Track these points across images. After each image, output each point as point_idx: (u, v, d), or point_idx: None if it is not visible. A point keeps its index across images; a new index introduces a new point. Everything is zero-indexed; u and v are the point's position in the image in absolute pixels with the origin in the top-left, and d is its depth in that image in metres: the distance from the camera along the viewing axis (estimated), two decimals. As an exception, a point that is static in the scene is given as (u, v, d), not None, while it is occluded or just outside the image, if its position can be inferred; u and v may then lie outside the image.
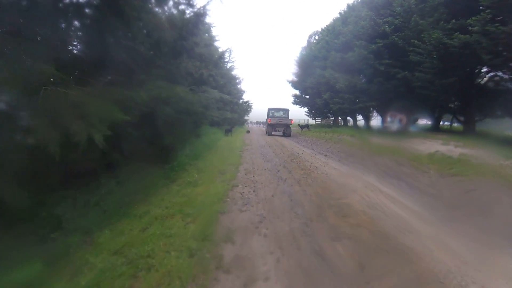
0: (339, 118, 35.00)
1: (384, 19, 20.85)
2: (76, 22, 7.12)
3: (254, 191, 6.70)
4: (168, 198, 6.40)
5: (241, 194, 6.50)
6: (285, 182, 7.69)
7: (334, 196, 6.30)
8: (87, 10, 6.72)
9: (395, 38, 20.46)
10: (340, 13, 30.50)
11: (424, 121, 28.14)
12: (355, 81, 22.10)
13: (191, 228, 4.63)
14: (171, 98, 8.09)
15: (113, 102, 4.82)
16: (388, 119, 26.61)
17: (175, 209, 5.53)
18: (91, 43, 8.13)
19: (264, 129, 31.35)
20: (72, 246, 4.52)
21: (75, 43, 7.44)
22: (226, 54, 35.64)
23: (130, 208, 5.96)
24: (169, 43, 10.39)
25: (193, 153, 11.92)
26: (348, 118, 31.49)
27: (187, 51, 11.49)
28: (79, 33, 7.59)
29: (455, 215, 5.68)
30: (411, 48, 18.94)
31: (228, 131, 23.96)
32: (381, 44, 20.74)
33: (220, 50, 24.20)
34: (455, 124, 25.23)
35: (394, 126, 25.04)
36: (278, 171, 9.05)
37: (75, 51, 7.28)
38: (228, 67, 34.40)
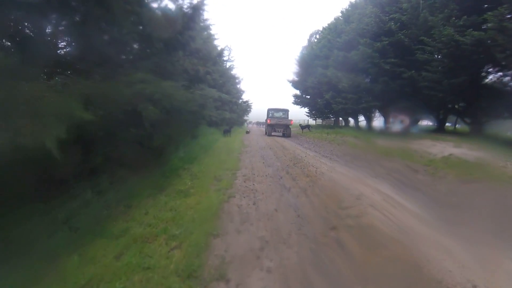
0: (340, 118, 34.22)
1: (390, 16, 19.88)
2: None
3: (254, 204, 5.74)
4: (153, 211, 5.43)
5: (238, 207, 5.53)
6: (289, 191, 6.72)
7: (350, 212, 5.27)
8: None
9: (401, 36, 19.54)
10: (342, 12, 29.65)
11: (425, 122, 27.38)
12: (358, 80, 21.17)
13: (176, 257, 3.66)
14: (156, 94, 7.14)
15: (79, 98, 3.84)
16: (391, 119, 25.80)
17: (159, 228, 4.57)
18: (71, 33, 7.22)
19: (264, 129, 30.36)
20: (31, 279, 3.56)
21: (49, 30, 6.47)
22: (225, 52, 34.80)
23: (107, 225, 4.98)
24: (163, 37, 9.48)
25: (188, 156, 10.98)
26: (349, 118, 30.73)
27: (182, 46, 10.55)
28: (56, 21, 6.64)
29: (500, 233, 4.69)
30: (419, 46, 18.03)
31: (226, 132, 22.99)
32: (386, 42, 19.82)
33: (219, 48, 23.05)
34: (458, 126, 24.49)
35: (396, 127, 24.28)
36: (281, 177, 8.07)
37: (49, 39, 6.28)
38: (227, 66, 33.49)
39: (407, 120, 26.76)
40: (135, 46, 8.87)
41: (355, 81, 21.12)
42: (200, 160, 10.80)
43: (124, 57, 8.84)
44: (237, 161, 10.43)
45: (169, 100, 7.84)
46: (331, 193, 6.59)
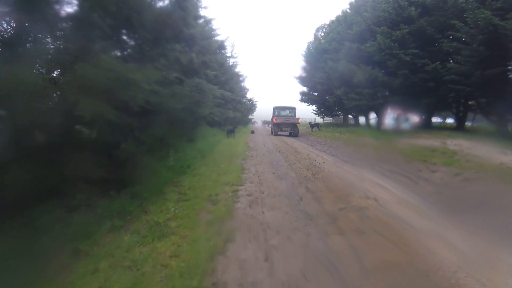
0: (349, 116, 31.84)
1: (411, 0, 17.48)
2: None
3: (266, 259, 3.41)
4: (105, 265, 3.24)
5: (240, 267, 3.25)
6: (316, 225, 4.43)
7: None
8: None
9: (423, 23, 17.14)
10: (350, 3, 27.27)
11: (433, 119, 25.11)
12: (375, 74, 18.75)
13: None
14: (127, 86, 4.91)
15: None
16: (403, 116, 23.40)
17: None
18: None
19: (270, 128, 27.99)
20: None
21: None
22: (228, 48, 32.52)
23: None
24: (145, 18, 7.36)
25: (180, 165, 8.77)
26: (359, 116, 28.39)
27: (171, 29, 8.38)
28: None
29: None
30: (447, 33, 15.67)
31: (230, 132, 20.68)
32: (406, 30, 17.42)
33: (218, 38, 20.70)
34: (472, 123, 22.35)
35: (407, 124, 22.08)
36: (300, 198, 5.77)
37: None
38: (230, 63, 31.19)
39: (416, 118, 24.34)
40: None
41: (371, 75, 18.71)
42: (194, 169, 8.61)
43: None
44: (240, 171, 8.17)
45: (144, 94, 5.60)
46: (387, 231, 4.25)
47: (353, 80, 19.88)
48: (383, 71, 19.06)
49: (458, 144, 10.47)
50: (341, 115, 33.52)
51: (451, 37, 15.89)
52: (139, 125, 6.00)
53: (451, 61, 17.25)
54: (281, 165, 9.21)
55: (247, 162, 9.61)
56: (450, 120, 29.07)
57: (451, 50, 16.44)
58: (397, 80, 18.11)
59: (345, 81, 20.85)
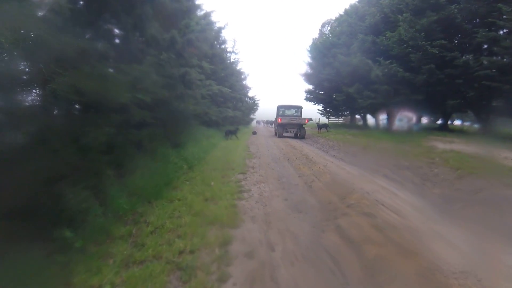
0: (357, 116, 29.26)
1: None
2: None
3: None
4: None
5: None
6: None
7: None
8: None
9: (454, 10, 14.48)
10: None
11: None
12: (394, 69, 16.10)
13: None
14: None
15: None
16: (414, 118, 20.81)
17: None
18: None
19: (273, 129, 25.17)
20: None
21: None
22: (229, 43, 29.88)
23: None
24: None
25: (154, 183, 6.11)
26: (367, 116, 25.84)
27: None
28: None
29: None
30: (490, 20, 13.03)
31: (229, 134, 17.85)
32: (434, 18, 14.77)
33: (218, 26, 17.99)
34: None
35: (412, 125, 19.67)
36: (340, 266, 3.12)
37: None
38: (231, 59, 28.53)
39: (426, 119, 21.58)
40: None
41: (390, 70, 16.06)
42: (174, 189, 6.01)
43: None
44: (236, 195, 5.54)
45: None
46: None
47: (369, 76, 17.24)
48: (402, 66, 16.41)
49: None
50: (349, 115, 30.95)
51: (490, 25, 13.25)
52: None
53: (488, 53, 14.57)
54: (294, 184, 6.55)
55: (247, 178, 6.96)
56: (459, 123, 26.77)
57: (486, 40, 13.84)
58: (420, 76, 15.48)
59: (359, 77, 18.19)
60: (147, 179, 6.11)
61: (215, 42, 21.13)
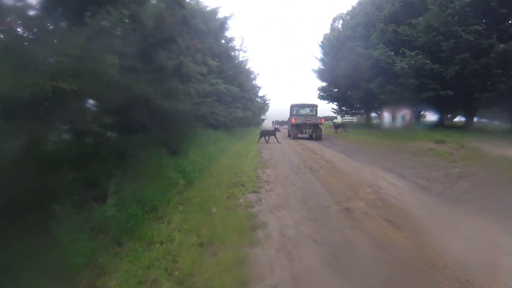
0: (373, 114, 27.19)
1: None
2: None
3: None
4: None
5: None
6: None
7: None
8: None
9: (490, -9, 12.44)
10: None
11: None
12: (421, 60, 14.10)
13: None
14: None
15: None
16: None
17: None
18: None
19: (287, 131, 23.19)
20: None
21: None
22: (237, 41, 28.05)
23: None
24: None
25: (129, 212, 4.36)
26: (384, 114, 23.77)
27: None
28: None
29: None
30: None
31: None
32: (467, 1, 12.73)
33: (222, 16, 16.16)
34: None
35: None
36: None
37: None
38: (239, 58, 26.67)
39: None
40: None
41: (417, 61, 14.05)
42: (155, 225, 4.24)
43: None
44: (246, 235, 3.74)
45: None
46: None
47: (391, 69, 15.27)
48: (429, 57, 14.39)
49: None
50: (364, 114, 28.91)
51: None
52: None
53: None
54: (325, 209, 4.70)
55: (261, 201, 5.15)
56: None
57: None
58: (451, 68, 13.45)
59: (380, 71, 16.22)
60: (126, 204, 4.40)
61: (222, 40, 19.41)
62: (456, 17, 12.75)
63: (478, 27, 12.66)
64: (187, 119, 9.57)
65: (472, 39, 12.59)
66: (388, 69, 15.58)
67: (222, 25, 15.71)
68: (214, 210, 4.66)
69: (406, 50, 14.31)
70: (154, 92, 4.79)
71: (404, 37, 15.59)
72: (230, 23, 21.39)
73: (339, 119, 31.68)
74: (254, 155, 10.63)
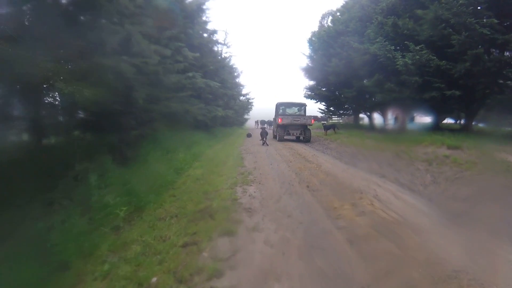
0: (363, 115, 25.58)
1: None
2: None
3: None
4: None
5: None
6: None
7: None
8: None
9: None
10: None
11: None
12: (426, 56, 12.33)
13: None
14: None
15: None
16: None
17: None
18: None
19: (272, 131, 20.95)
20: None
21: None
22: (220, 35, 25.79)
23: None
24: None
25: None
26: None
27: None
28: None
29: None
30: None
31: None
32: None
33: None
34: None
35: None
36: None
37: None
38: (223, 53, 24.45)
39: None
40: None
41: (422, 57, 12.26)
42: None
43: None
44: None
45: None
46: None
47: (391, 65, 13.45)
48: (434, 53, 12.65)
49: None
50: (352, 115, 27.22)
51: None
52: None
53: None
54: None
55: (236, 255, 3.05)
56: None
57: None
58: (460, 65, 11.74)
59: (378, 67, 14.35)
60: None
61: (202, 32, 17.26)
62: (471, 8, 11.01)
63: (495, 20, 10.96)
64: (148, 117, 7.44)
65: (488, 33, 10.89)
66: (387, 65, 13.74)
67: (199, 7, 13.51)
68: (154, 279, 2.58)
69: (411, 43, 12.48)
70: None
71: (405, 31, 13.79)
72: (210, 10, 19.26)
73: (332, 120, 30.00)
74: (235, 162, 8.51)
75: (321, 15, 30.45)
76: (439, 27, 12.16)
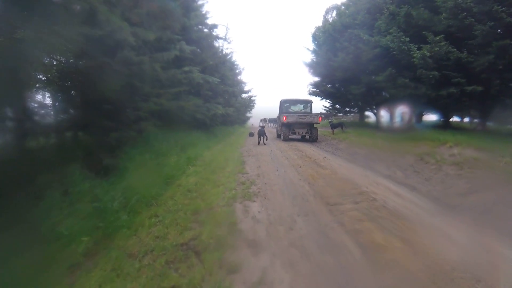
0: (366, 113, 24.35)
1: None
2: None
3: None
4: None
5: None
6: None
7: None
8: None
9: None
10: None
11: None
12: (445, 48, 11.14)
13: None
14: None
15: None
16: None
17: None
18: None
19: (276, 130, 19.70)
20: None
21: None
22: (221, 29, 24.53)
23: None
24: None
25: None
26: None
27: None
28: None
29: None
30: None
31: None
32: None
33: None
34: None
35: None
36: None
37: None
38: (223, 49, 23.19)
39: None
40: None
41: (441, 49, 11.06)
42: None
43: None
44: None
45: None
46: None
47: (405, 59, 12.25)
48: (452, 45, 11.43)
49: None
50: (357, 112, 25.99)
51: None
52: None
53: None
54: None
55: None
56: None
57: None
58: (482, 58, 10.54)
59: (392, 61, 13.14)
60: None
61: (202, 27, 16.08)
62: (497, -8, 9.81)
63: (524, 7, 9.75)
64: (134, 116, 6.30)
65: (516, 21, 9.69)
66: (401, 59, 12.54)
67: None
68: None
69: (430, 33, 11.25)
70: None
71: (420, 21, 12.55)
72: (208, 3, 17.99)
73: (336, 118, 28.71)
74: (235, 168, 7.33)
75: (325, 10, 28.98)
76: (459, 16, 10.94)
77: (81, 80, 4.90)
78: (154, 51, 7.48)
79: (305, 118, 14.87)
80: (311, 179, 6.17)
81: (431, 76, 11.34)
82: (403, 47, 12.07)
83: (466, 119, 25.03)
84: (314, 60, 23.63)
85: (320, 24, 28.14)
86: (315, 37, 24.29)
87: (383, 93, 17.01)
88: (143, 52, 6.43)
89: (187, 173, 6.66)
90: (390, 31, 12.80)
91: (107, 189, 4.59)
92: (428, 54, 11.04)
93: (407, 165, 7.62)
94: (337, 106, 24.40)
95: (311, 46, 24.91)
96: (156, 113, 7.83)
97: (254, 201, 4.64)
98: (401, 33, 12.44)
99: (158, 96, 7.50)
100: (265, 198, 4.80)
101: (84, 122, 5.32)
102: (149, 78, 6.74)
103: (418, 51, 11.44)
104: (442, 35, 11.27)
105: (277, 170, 7.12)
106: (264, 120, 35.42)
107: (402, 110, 17.05)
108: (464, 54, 11.03)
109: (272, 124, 34.98)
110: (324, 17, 29.39)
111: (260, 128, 14.92)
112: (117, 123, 5.70)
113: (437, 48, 10.95)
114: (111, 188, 4.67)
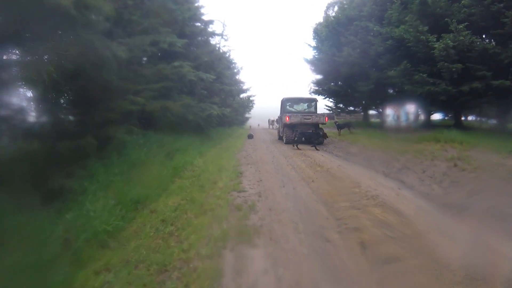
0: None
1: None
2: None
3: None
4: None
5: None
6: None
7: None
8: None
9: None
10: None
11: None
12: (468, 38, 9.76)
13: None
14: None
15: None
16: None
17: None
18: None
19: (277, 132, 18.08)
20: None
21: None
22: (217, 25, 23.14)
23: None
24: None
25: None
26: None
27: None
28: None
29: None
30: None
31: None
32: None
33: None
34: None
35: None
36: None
37: None
38: (220, 46, 21.73)
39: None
40: None
41: (466, 38, 9.65)
42: None
43: None
44: None
45: None
46: None
47: (422, 51, 10.84)
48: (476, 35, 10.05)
49: None
50: (361, 112, 24.59)
51: None
52: None
53: None
54: None
55: None
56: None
57: None
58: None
59: (406, 54, 11.71)
60: None
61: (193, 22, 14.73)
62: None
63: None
64: (100, 118, 4.87)
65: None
66: (417, 51, 11.12)
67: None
68: None
69: (453, 21, 9.82)
70: None
71: (438, 9, 11.13)
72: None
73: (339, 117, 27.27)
74: (229, 182, 5.84)
75: (326, 5, 27.56)
76: (485, 1, 9.54)
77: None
78: (127, 36, 6.05)
79: (310, 119, 13.30)
80: (333, 203, 4.58)
81: (453, 69, 9.92)
82: (421, 37, 10.63)
83: (470, 118, 23.25)
84: (316, 56, 22.25)
85: (321, 20, 26.75)
86: (316, 33, 22.89)
87: (391, 91, 15.66)
88: (110, 36, 5.02)
89: (169, 190, 5.22)
90: (406, 19, 11.35)
91: (46, 223, 3.17)
92: (451, 44, 9.61)
93: (440, 173, 6.20)
94: (341, 105, 22.96)
95: (313, 42, 23.55)
96: (134, 114, 6.41)
97: (255, 246, 3.14)
98: (418, 21, 11.00)
99: (135, 94, 6.06)
100: (270, 239, 3.29)
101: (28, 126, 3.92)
102: (122, 70, 5.31)
103: (438, 42, 10.01)
104: (466, 23, 9.87)
105: (284, 186, 5.59)
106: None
107: (410, 109, 15.68)
108: (491, 44, 9.63)
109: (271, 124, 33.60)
110: (325, 13, 28.00)
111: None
112: (76, 127, 4.27)
113: (461, 37, 9.52)
114: (54, 221, 3.27)
